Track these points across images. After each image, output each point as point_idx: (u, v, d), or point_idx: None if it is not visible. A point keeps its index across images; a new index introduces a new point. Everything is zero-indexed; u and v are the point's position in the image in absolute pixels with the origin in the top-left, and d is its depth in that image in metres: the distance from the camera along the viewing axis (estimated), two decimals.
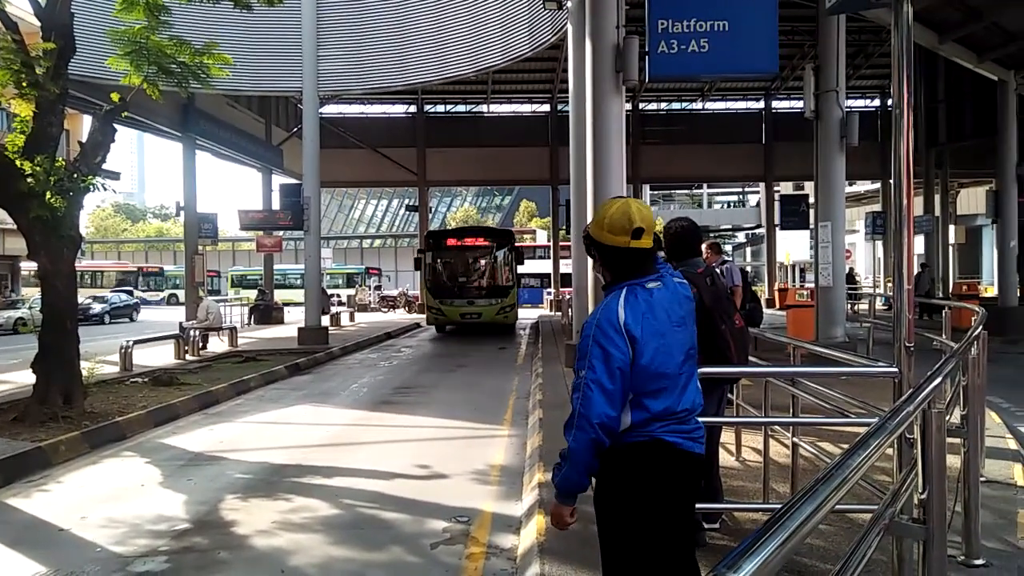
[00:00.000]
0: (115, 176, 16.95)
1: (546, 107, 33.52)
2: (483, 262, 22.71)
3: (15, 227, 9.33)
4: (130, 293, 38.64)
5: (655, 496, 2.45)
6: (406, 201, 45.52)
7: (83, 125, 27.13)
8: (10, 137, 8.97)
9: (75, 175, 8.95)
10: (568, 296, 18.85)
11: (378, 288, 44.34)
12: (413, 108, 33.48)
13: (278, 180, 27.85)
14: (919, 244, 29.50)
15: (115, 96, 9.66)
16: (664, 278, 2.57)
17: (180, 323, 17.81)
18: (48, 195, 8.62)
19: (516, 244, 23.38)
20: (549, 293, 36.58)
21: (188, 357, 15.41)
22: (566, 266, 30.09)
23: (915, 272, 21.72)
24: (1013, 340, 16.40)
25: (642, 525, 2.47)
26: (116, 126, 9.75)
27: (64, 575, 4.53)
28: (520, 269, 23.76)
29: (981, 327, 5.17)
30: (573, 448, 2.41)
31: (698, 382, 2.63)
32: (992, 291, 25.61)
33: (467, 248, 22.88)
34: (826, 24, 13.36)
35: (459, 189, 75.70)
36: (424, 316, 23.96)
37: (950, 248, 32.22)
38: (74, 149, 10.35)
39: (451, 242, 23.04)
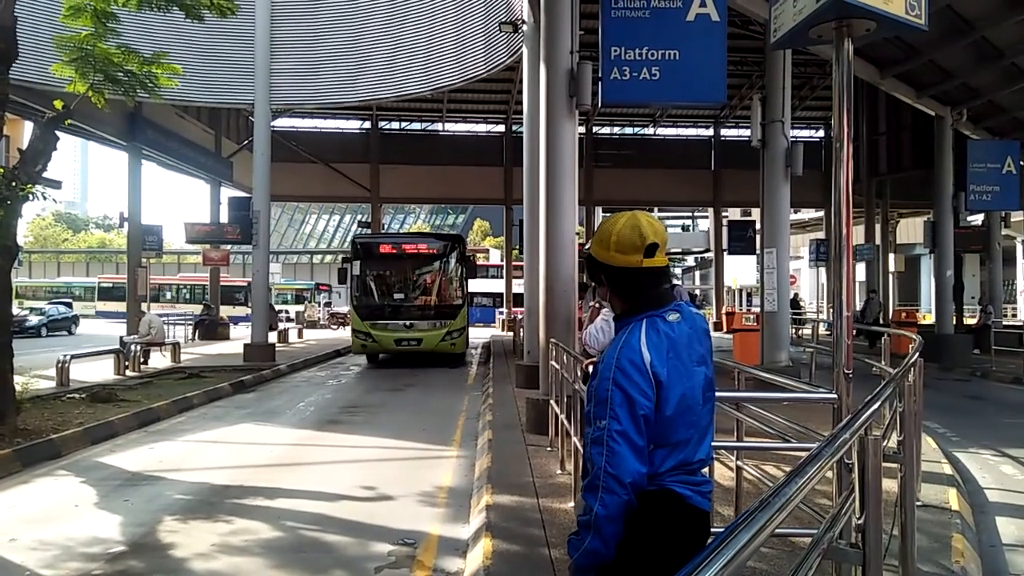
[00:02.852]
0: (56, 185, 16.45)
1: (501, 127, 33.74)
2: (425, 275, 18.81)
3: None
4: (68, 305, 37.42)
5: (659, 553, 2.11)
6: (359, 217, 45.11)
7: (24, 131, 26.31)
8: None
9: (13, 183, 8.67)
10: (520, 316, 18.82)
11: (328, 305, 43.80)
12: (367, 124, 33.34)
13: (227, 193, 27.34)
14: (860, 272, 30.38)
15: (58, 103, 9.41)
16: (682, 309, 2.24)
17: (121, 337, 17.32)
18: None
19: (467, 252, 19.79)
20: (501, 312, 36.59)
21: (128, 373, 14.98)
22: (518, 286, 30.16)
23: (865, 299, 22.35)
24: (949, 367, 16.95)
25: None
26: (59, 134, 9.48)
27: None
28: (472, 285, 20.50)
29: (918, 354, 5.33)
30: (602, 515, 2.01)
31: (713, 430, 2.32)
32: (930, 318, 26.46)
33: (405, 257, 18.77)
34: (772, 57, 13.77)
35: (413, 206, 75.42)
36: None
37: (890, 276, 33.22)
38: (14, 156, 10.02)
39: (385, 249, 18.85)
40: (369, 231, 32.32)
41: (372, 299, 18.24)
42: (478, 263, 40.35)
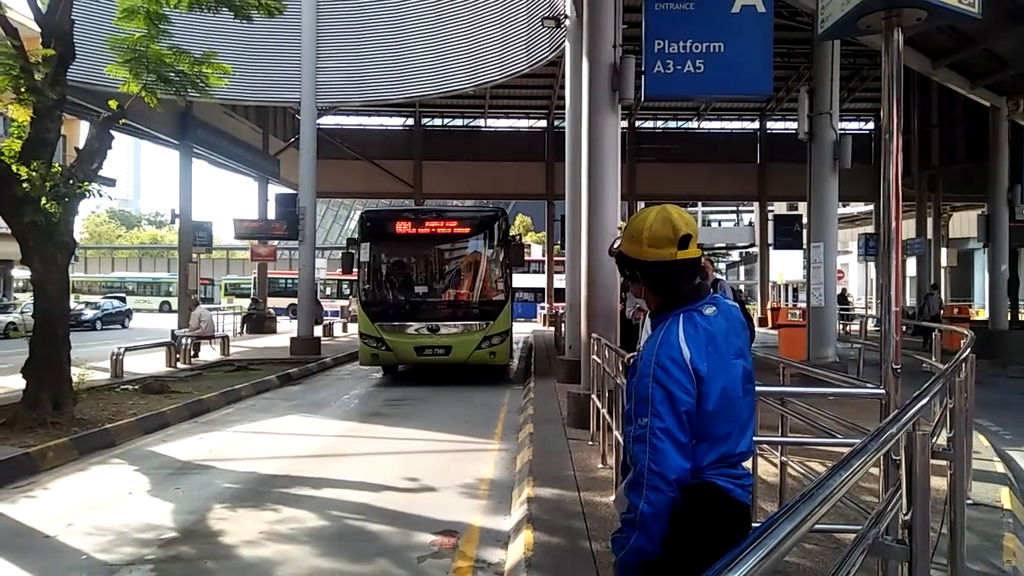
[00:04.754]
0: (111, 183, 16.95)
1: (543, 123, 33.69)
2: (457, 261, 14.58)
3: (8, 231, 9.32)
4: (122, 300, 38.49)
5: (701, 546, 2.06)
6: None
7: (80, 131, 27.11)
8: (7, 142, 8.98)
9: (71, 181, 8.96)
10: (562, 311, 18.72)
11: None
12: (411, 121, 33.60)
13: (274, 189, 27.84)
14: (911, 267, 29.66)
15: (113, 103, 9.71)
16: (718, 302, 2.22)
17: (172, 331, 17.77)
18: (43, 200, 8.64)
19: (511, 233, 15.31)
20: (543, 307, 36.59)
21: (179, 365, 15.36)
22: (560, 281, 30.05)
23: (925, 295, 21.87)
24: (1003, 363, 16.48)
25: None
26: (113, 133, 9.77)
27: None
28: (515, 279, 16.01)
29: (969, 350, 5.21)
30: (647, 513, 2.01)
31: (755, 422, 2.27)
32: (984, 314, 25.74)
33: (429, 238, 14.32)
34: (820, 48, 13.49)
35: (455, 202, 75.82)
36: None
37: (942, 271, 32.37)
38: (71, 155, 10.33)
39: (402, 228, 14.22)
40: None
41: (386, 294, 14.26)
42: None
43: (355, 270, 14.21)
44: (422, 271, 14.68)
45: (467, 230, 14.43)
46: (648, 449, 2.02)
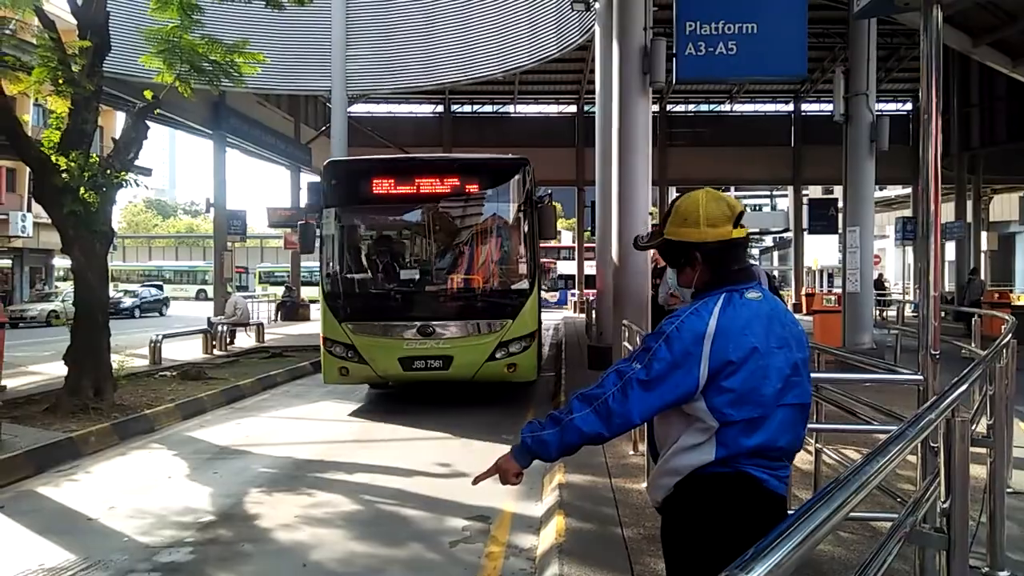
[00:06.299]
0: (147, 172, 17.21)
1: (573, 108, 33.49)
2: (460, 233, 10.29)
3: (50, 221, 9.54)
4: (160, 288, 39.19)
5: (734, 535, 2.02)
6: None
7: (117, 122, 27.58)
8: (46, 133, 9.19)
9: (108, 171, 9.12)
10: (593, 298, 18.63)
11: None
12: (440, 108, 33.62)
13: (306, 178, 28.10)
14: (950, 251, 29.03)
15: (148, 94, 9.84)
16: (763, 290, 2.19)
17: (208, 318, 18.05)
18: (82, 190, 8.81)
19: (537, 192, 10.28)
20: (574, 294, 36.51)
21: (216, 352, 15.60)
22: (590, 267, 29.94)
23: (967, 280, 21.42)
24: None
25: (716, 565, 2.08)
26: (148, 123, 9.92)
27: (92, 563, 4.62)
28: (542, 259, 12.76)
29: (1010, 335, 5.10)
30: (575, 427, 2.10)
31: (805, 419, 2.20)
32: None
33: (420, 201, 9.98)
34: (856, 27, 13.20)
35: None
36: None
37: (982, 255, 31.64)
38: (108, 145, 10.50)
39: (382, 187, 9.81)
40: None
41: (358, 282, 10.26)
42: (549, 245, 38.99)
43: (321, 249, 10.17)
44: (411, 248, 10.89)
45: (475, 187, 10.04)
46: (620, 388, 2.06)
